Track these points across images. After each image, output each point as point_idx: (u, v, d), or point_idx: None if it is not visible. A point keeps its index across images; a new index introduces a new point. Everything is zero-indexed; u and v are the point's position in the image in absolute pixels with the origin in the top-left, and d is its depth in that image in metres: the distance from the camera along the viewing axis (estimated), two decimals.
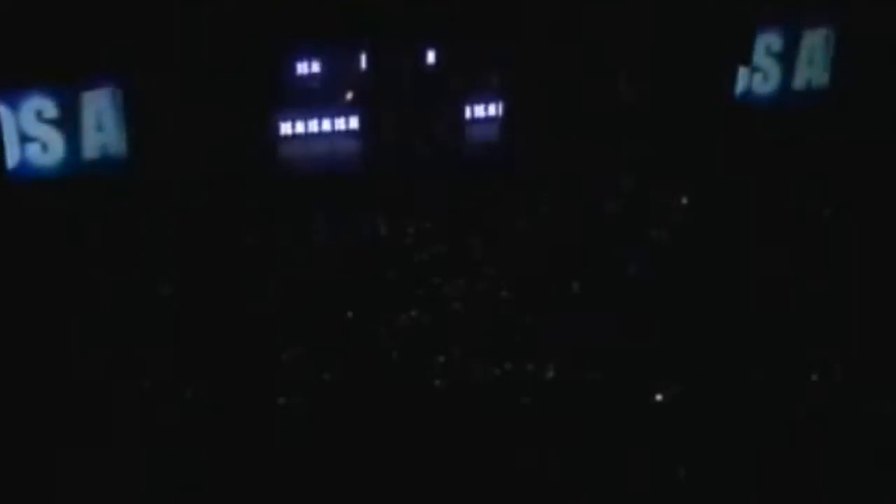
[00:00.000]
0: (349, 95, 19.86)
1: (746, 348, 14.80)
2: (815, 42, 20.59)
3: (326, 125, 19.93)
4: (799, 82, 20.69)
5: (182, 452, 12.98)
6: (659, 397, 13.91)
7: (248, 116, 18.75)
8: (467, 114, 20.04)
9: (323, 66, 19.71)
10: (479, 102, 20.16)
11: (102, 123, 17.70)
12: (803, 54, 20.58)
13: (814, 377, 14.27)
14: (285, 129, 19.70)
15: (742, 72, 20.19)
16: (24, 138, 17.32)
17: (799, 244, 17.30)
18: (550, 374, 14.37)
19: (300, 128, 19.78)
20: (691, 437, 13.24)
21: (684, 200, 18.58)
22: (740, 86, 20.30)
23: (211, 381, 14.15)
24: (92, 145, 17.70)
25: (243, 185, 18.41)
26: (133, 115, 17.73)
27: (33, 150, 17.43)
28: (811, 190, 18.59)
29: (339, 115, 19.93)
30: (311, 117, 19.77)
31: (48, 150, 17.47)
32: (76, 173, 17.63)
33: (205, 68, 18.01)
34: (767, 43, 20.30)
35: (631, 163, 19.45)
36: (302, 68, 19.56)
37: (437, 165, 19.36)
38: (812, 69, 20.71)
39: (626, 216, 18.15)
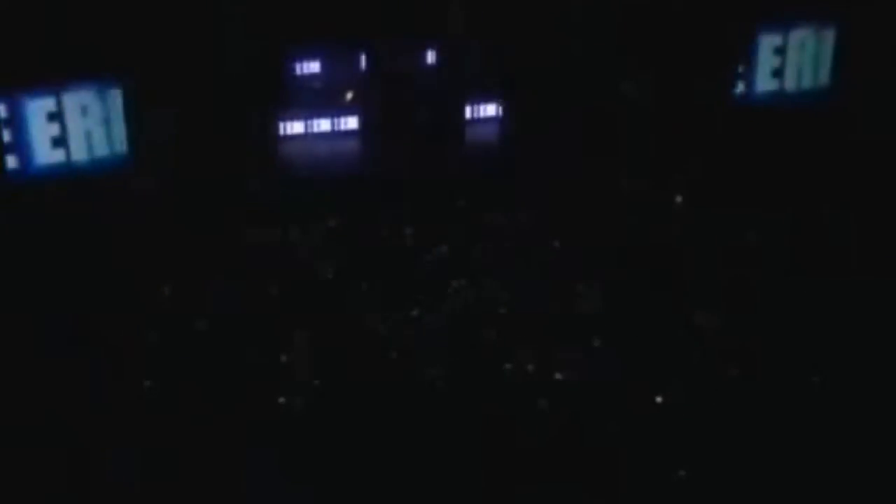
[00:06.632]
0: (349, 95, 19.89)
1: (746, 348, 14.82)
2: (815, 42, 20.61)
3: (326, 125, 19.96)
4: (799, 82, 20.71)
5: (181, 452, 12.99)
6: (659, 399, 13.93)
7: (248, 116, 18.78)
8: (467, 114, 20.07)
9: (323, 66, 19.75)
10: (479, 102, 20.19)
11: (102, 123, 17.72)
12: (803, 54, 20.60)
13: (814, 377, 14.28)
14: (286, 129, 19.74)
15: (742, 72, 20.21)
16: (25, 138, 17.34)
17: (799, 244, 17.31)
18: (550, 374, 14.39)
19: (300, 128, 19.81)
20: (691, 438, 13.25)
21: (684, 200, 18.59)
22: (740, 86, 20.32)
23: (211, 382, 14.16)
24: (92, 145, 17.73)
25: (244, 185, 18.43)
26: (133, 115, 17.76)
27: (34, 150, 17.44)
28: (811, 190, 18.60)
29: (339, 115, 19.97)
30: (311, 117, 19.81)
31: (49, 149, 17.49)
32: (76, 173, 17.65)
33: (205, 68, 18.03)
34: (767, 43, 20.32)
35: (631, 162, 19.47)
36: (302, 68, 19.61)
37: (437, 165, 19.37)
38: (812, 69, 20.73)
39: (626, 216, 18.16)
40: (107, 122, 17.76)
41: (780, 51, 20.47)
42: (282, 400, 13.93)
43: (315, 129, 19.90)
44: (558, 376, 14.36)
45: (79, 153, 17.69)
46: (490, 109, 20.32)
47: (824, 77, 20.79)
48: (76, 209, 17.20)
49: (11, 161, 17.29)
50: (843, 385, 14.12)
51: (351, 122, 20.02)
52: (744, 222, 17.84)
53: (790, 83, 20.69)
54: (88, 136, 17.71)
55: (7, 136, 17.20)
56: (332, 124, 19.99)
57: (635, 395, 13.95)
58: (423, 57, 19.87)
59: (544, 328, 15.23)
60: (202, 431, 13.28)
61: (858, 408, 13.63)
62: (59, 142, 17.53)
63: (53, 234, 16.77)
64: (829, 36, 20.61)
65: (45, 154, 17.50)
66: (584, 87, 19.58)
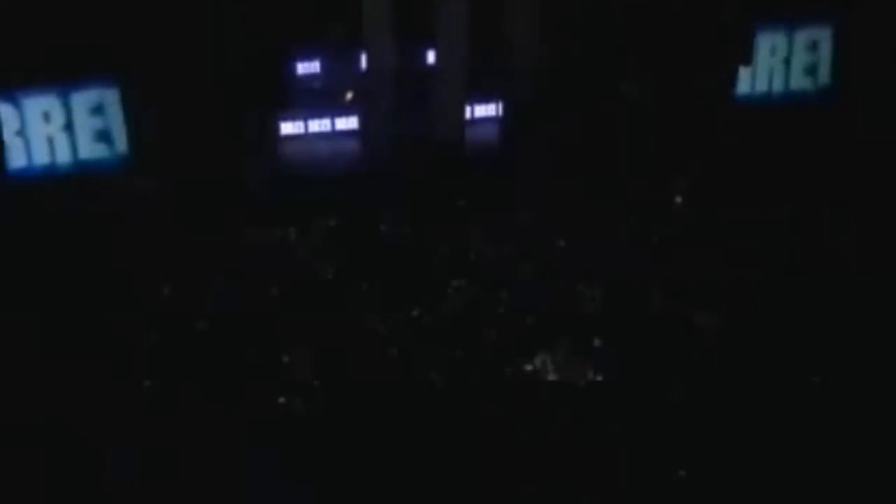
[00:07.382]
0: (349, 95, 19.88)
1: (746, 348, 14.81)
2: (815, 42, 20.61)
3: (326, 125, 19.95)
4: (799, 82, 20.70)
5: (181, 452, 12.99)
6: (659, 399, 13.91)
7: (248, 116, 18.77)
8: (467, 114, 20.05)
9: (323, 66, 19.74)
10: (479, 102, 20.18)
11: (102, 123, 17.71)
12: (803, 54, 20.60)
13: (814, 377, 14.27)
14: (286, 129, 19.73)
15: (742, 72, 20.20)
16: (25, 138, 17.34)
17: (799, 244, 17.30)
18: (550, 375, 14.38)
19: (300, 128, 19.80)
20: (691, 438, 13.24)
21: (684, 200, 18.58)
22: (740, 86, 20.31)
23: (211, 382, 14.15)
24: (92, 145, 17.72)
25: (244, 185, 18.42)
26: (133, 115, 17.75)
27: (33, 150, 17.44)
28: (811, 190, 18.59)
29: (339, 115, 19.96)
30: (311, 117, 19.80)
31: (48, 150, 17.50)
32: (76, 173, 17.65)
33: (205, 68, 18.02)
34: (767, 43, 20.32)
35: (631, 161, 19.46)
36: (302, 68, 19.60)
37: (437, 165, 19.36)
38: (812, 69, 20.71)
39: (626, 216, 18.14)
40: (106, 122, 17.74)
41: (780, 51, 20.47)
42: (282, 400, 13.92)
43: (315, 129, 19.89)
44: (558, 377, 14.35)
45: (78, 153, 17.68)
46: (490, 109, 20.30)
47: (824, 77, 20.78)
48: (76, 209, 17.20)
49: (11, 160, 17.30)
50: (843, 385, 14.11)
51: (351, 122, 20.01)
52: (744, 222, 17.83)
53: (789, 83, 20.68)
54: (88, 135, 17.70)
55: (7, 135, 17.21)
56: (332, 124, 19.98)
57: (635, 395, 13.95)
58: (424, 57, 19.87)
59: (544, 328, 15.22)
60: (202, 431, 13.28)
61: (858, 408, 13.63)
62: (59, 141, 17.53)
63: (53, 234, 16.76)
64: (828, 36, 20.60)
65: (45, 154, 17.51)
66: (584, 87, 19.57)
